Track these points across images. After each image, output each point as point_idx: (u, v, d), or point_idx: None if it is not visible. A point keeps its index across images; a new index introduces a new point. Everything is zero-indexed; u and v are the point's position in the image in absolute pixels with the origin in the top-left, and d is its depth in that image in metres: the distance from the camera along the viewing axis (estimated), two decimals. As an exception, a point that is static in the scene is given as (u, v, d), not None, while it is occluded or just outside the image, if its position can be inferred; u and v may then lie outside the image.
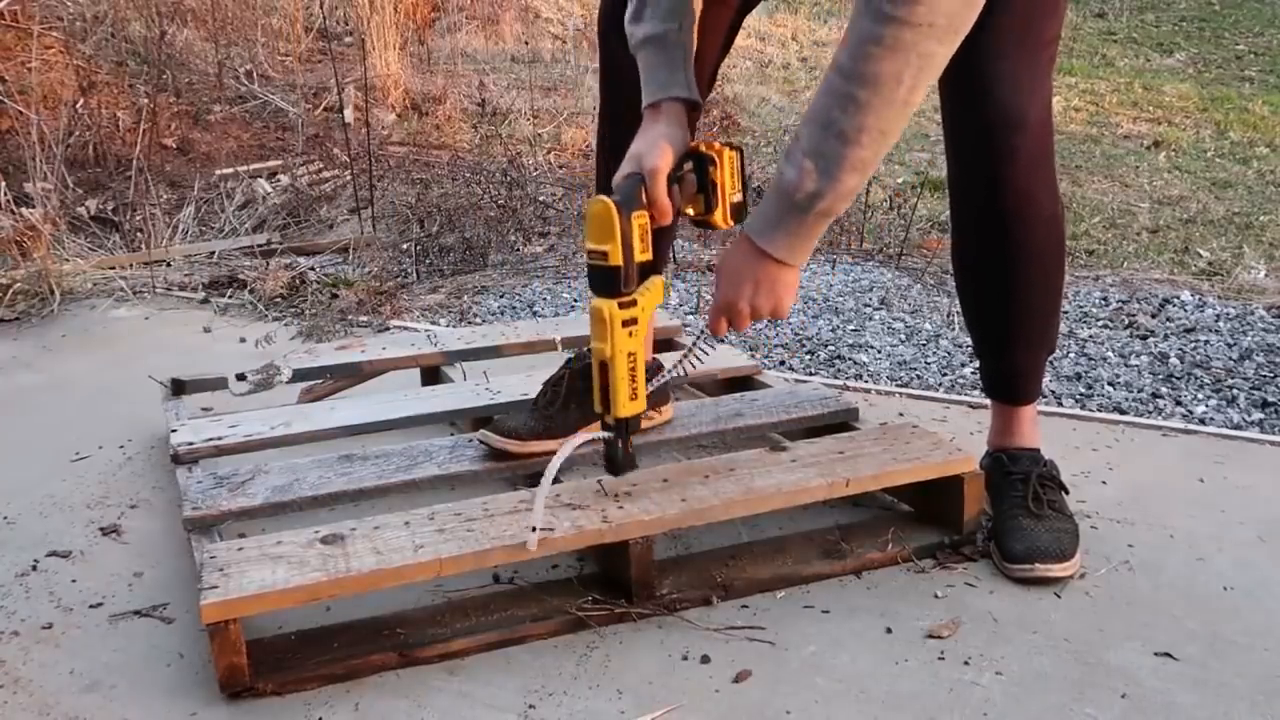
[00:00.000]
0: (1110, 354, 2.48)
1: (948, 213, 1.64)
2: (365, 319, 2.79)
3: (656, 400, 1.75)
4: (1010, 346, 1.65)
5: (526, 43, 6.41)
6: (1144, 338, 2.59)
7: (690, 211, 1.48)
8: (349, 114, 4.31)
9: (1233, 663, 1.35)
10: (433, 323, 2.79)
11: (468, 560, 1.38)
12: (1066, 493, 1.66)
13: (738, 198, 1.47)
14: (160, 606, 1.51)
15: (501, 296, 3.00)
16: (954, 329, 2.63)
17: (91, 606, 1.52)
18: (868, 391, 2.25)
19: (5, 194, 3.21)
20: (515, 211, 3.54)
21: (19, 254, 3.05)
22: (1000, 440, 1.70)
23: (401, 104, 5.11)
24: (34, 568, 1.63)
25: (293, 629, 1.41)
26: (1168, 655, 1.37)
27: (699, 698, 1.30)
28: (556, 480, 1.46)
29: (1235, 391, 2.25)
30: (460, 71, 5.71)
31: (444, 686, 1.33)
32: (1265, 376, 2.33)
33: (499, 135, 4.39)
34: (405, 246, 3.39)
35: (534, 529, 1.38)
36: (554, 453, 1.70)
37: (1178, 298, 2.86)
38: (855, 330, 2.66)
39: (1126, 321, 2.70)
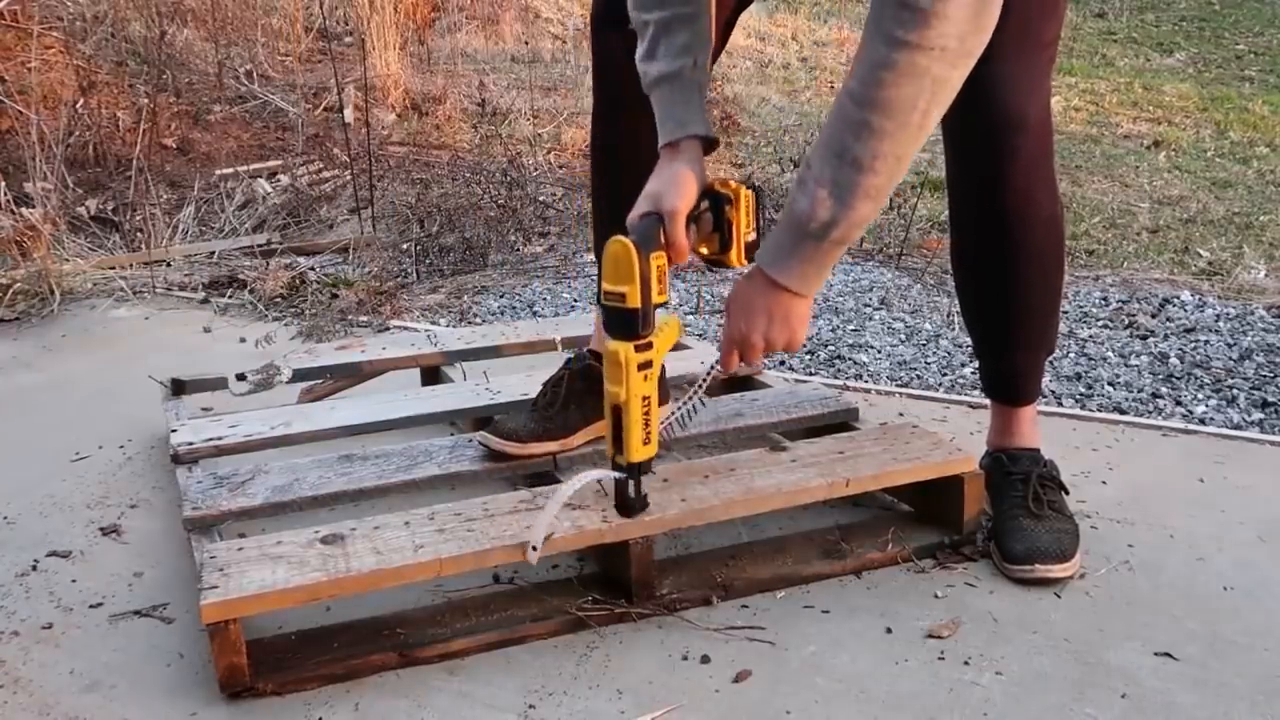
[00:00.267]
0: (1110, 354, 2.48)
1: (947, 213, 1.65)
2: (365, 319, 2.79)
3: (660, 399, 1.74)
4: (1010, 347, 1.65)
5: (526, 43, 6.42)
6: (1144, 338, 2.59)
7: (704, 250, 1.47)
8: (349, 114, 4.31)
9: (1233, 663, 1.35)
10: (433, 323, 2.79)
11: (468, 560, 1.38)
12: (1066, 493, 1.66)
13: (752, 237, 1.45)
14: (160, 606, 1.52)
15: (501, 296, 3.00)
16: (954, 329, 2.63)
17: (91, 606, 1.52)
18: (868, 391, 2.25)
19: (5, 194, 3.21)
20: (515, 211, 3.54)
21: (19, 254, 3.05)
22: (1000, 440, 1.70)
23: (401, 104, 5.11)
24: (34, 568, 1.63)
25: (293, 629, 1.41)
26: (1168, 655, 1.37)
27: (699, 698, 1.30)
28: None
29: (1235, 391, 2.25)
30: (460, 71, 5.71)
31: (444, 686, 1.33)
32: (1265, 376, 2.33)
33: (499, 135, 4.39)
34: (405, 246, 3.39)
35: (534, 548, 1.38)
36: (553, 454, 1.71)
37: (1178, 298, 2.86)
38: (855, 330, 2.67)
39: (1126, 321, 2.70)
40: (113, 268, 3.21)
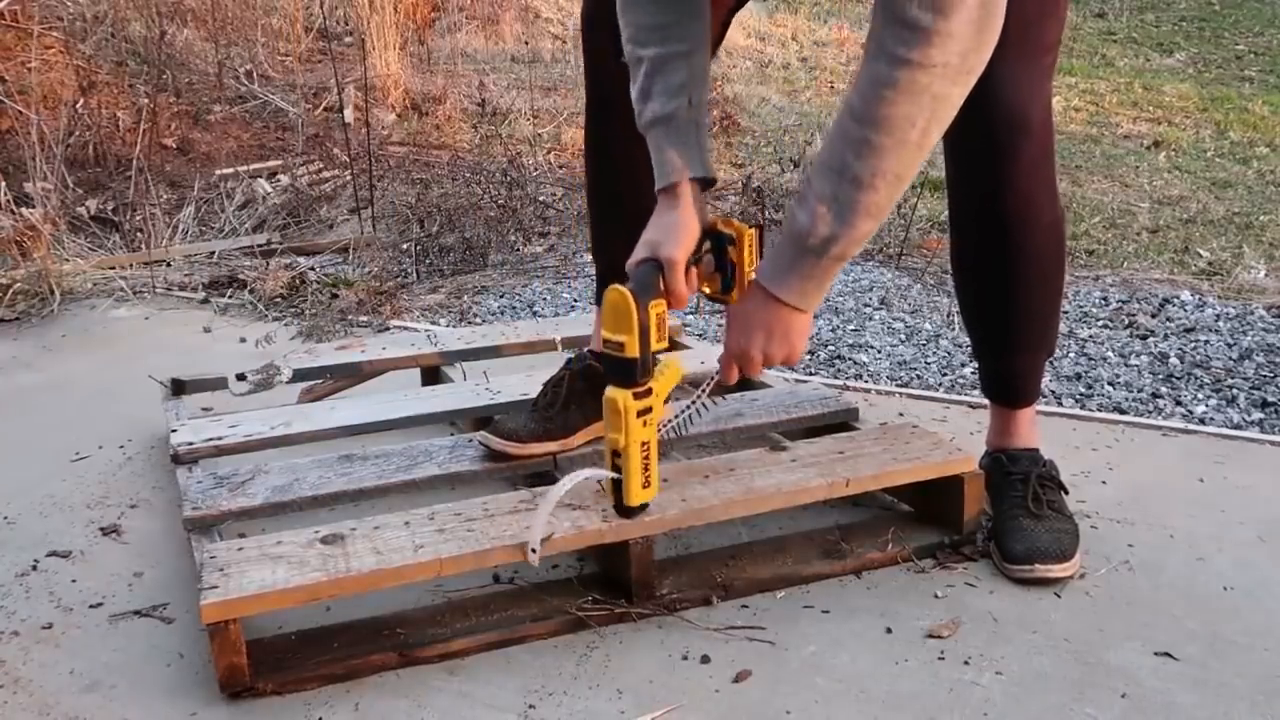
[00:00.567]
0: (1110, 354, 2.48)
1: (947, 214, 1.65)
2: (365, 319, 2.79)
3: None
4: (1009, 349, 1.65)
5: (526, 43, 6.41)
6: (1144, 338, 2.59)
7: (707, 290, 1.47)
8: (349, 114, 4.31)
9: (1233, 663, 1.35)
10: (433, 323, 2.79)
11: (468, 560, 1.38)
12: (1066, 493, 1.66)
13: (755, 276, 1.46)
14: (160, 606, 1.52)
15: (501, 296, 3.00)
16: (954, 329, 2.63)
17: (91, 606, 1.52)
18: (868, 391, 2.25)
19: (5, 194, 3.21)
20: (515, 211, 3.54)
21: (19, 254, 3.05)
22: (999, 440, 1.70)
23: (401, 104, 5.11)
24: (34, 568, 1.63)
25: (293, 629, 1.41)
26: (1168, 655, 1.37)
27: (699, 698, 1.30)
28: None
29: (1235, 391, 2.25)
30: (460, 71, 5.71)
31: (444, 686, 1.33)
32: (1265, 376, 2.33)
33: (499, 135, 4.39)
34: (405, 246, 3.39)
35: (534, 550, 1.38)
36: (553, 454, 1.71)
37: (1178, 298, 2.86)
38: (855, 330, 2.67)
39: (1126, 321, 2.70)
40: (113, 268, 3.21)
